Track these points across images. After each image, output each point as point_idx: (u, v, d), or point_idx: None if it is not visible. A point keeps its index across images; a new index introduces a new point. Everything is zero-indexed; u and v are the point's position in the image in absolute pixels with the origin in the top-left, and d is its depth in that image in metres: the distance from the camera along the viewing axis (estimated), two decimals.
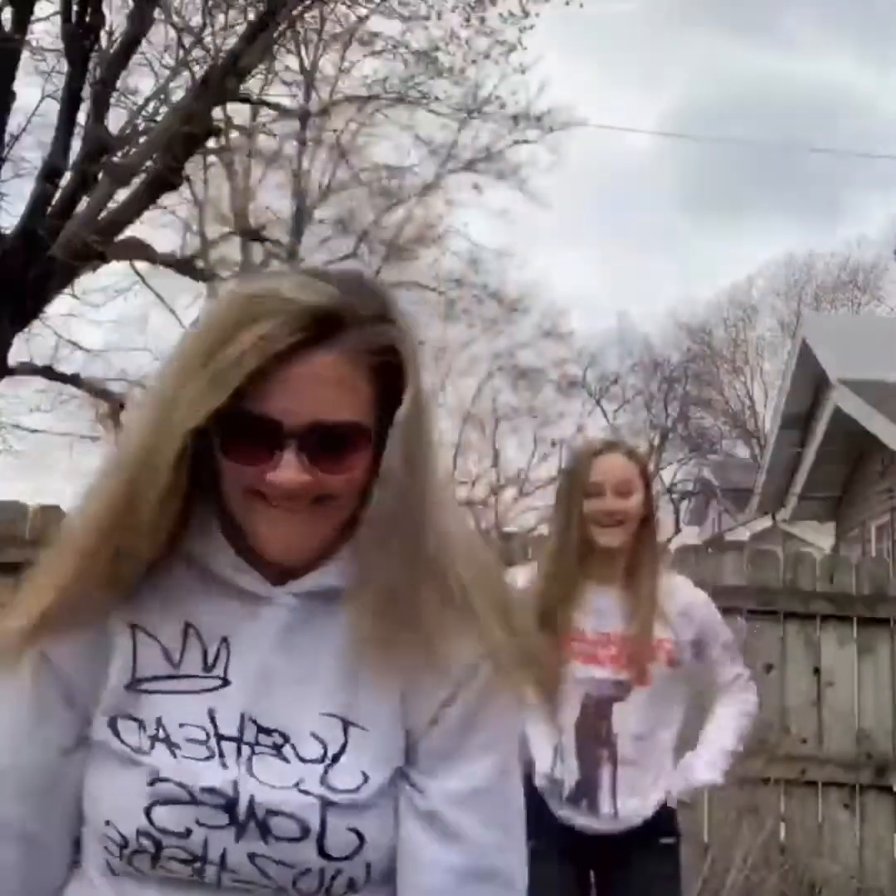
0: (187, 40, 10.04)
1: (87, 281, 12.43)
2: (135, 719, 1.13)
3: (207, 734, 1.13)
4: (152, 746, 1.12)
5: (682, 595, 2.83)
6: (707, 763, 2.82)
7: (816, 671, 5.13)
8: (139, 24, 8.30)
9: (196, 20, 10.20)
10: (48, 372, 10.77)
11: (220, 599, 1.16)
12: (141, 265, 16.86)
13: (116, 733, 1.13)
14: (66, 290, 9.62)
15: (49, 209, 7.99)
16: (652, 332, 45.66)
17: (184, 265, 10.78)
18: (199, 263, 11.19)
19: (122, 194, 9.19)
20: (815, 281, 34.14)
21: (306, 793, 1.11)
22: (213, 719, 1.13)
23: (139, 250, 10.23)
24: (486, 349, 26.82)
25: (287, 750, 1.13)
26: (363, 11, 12.99)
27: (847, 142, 49.38)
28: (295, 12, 9.70)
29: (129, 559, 1.12)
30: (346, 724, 1.14)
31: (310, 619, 1.17)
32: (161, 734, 1.13)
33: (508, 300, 24.67)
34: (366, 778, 1.13)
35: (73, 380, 11.12)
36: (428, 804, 1.15)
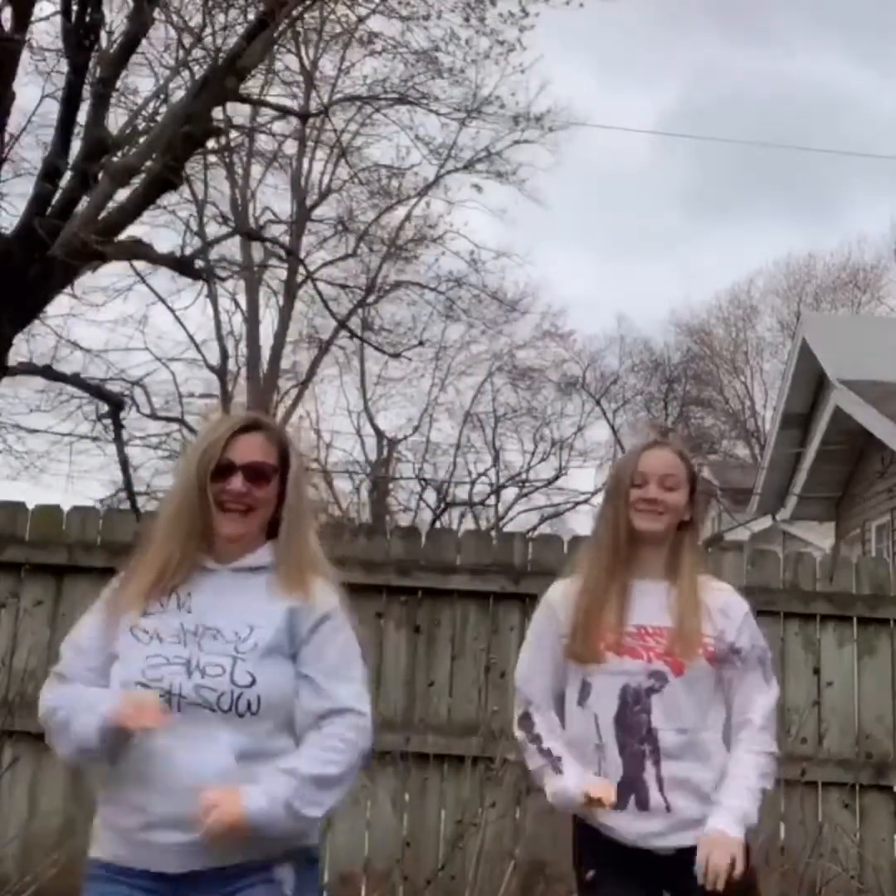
0: (187, 40, 10.03)
1: (87, 281, 12.44)
2: (144, 631, 2.31)
3: (179, 633, 2.30)
4: (150, 641, 2.30)
5: (723, 596, 2.83)
6: (735, 819, 2.64)
7: (816, 671, 5.13)
8: (139, 24, 8.28)
9: (196, 20, 10.19)
10: (48, 372, 10.75)
11: (191, 573, 2.38)
12: (141, 265, 16.90)
13: (135, 636, 2.31)
14: (66, 290, 9.60)
15: (49, 209, 7.98)
16: (652, 331, 45.76)
17: (184, 265, 10.74)
18: (199, 263, 11.16)
19: (122, 194, 9.17)
20: (815, 281, 34.17)
21: (225, 654, 2.27)
22: (182, 626, 2.31)
23: (139, 250, 10.20)
24: (486, 349, 26.86)
25: (219, 636, 2.30)
26: (363, 11, 12.97)
27: (847, 142, 49.36)
28: (295, 12, 9.68)
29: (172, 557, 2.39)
30: (251, 627, 2.32)
31: (236, 581, 2.39)
32: (155, 634, 2.30)
33: (508, 300, 24.70)
34: (256, 645, 2.29)
35: (73, 380, 11.10)
36: (310, 678, 2.33)
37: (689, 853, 2.65)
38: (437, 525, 23.32)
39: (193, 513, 2.37)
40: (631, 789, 2.68)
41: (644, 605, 2.76)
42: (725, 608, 2.79)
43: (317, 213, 21.98)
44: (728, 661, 2.76)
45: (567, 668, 2.80)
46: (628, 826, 2.69)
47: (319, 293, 17.43)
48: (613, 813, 2.68)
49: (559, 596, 2.87)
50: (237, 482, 2.37)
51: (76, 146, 8.25)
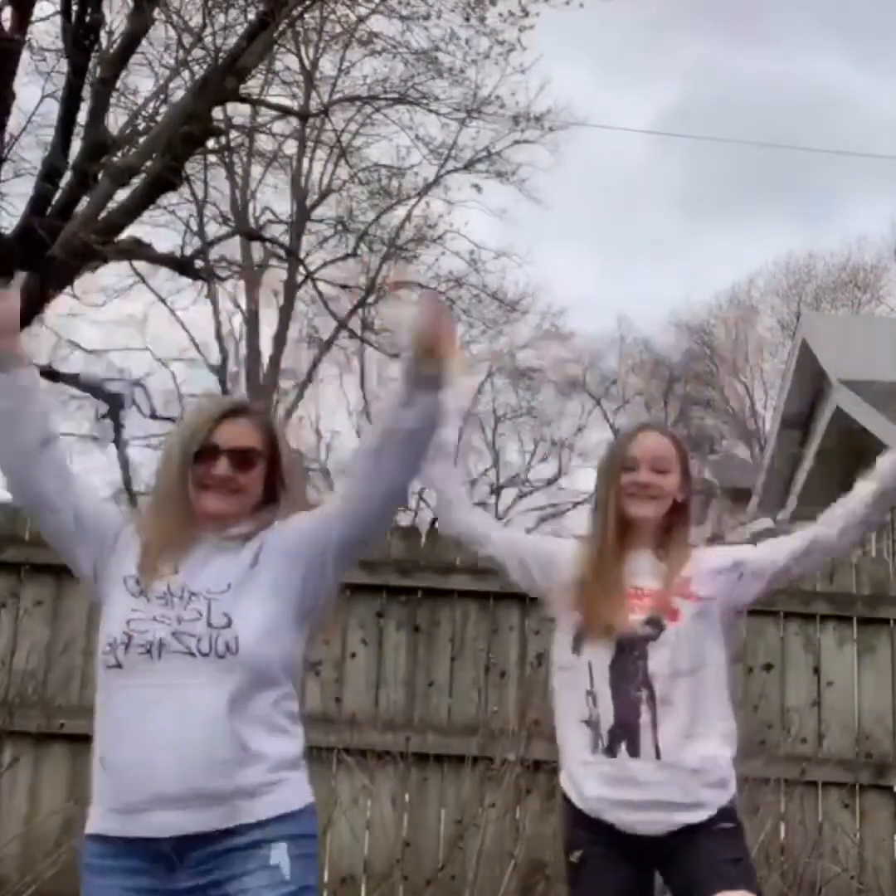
0: (187, 40, 10.04)
1: (87, 281, 12.45)
2: (135, 582, 2.34)
3: (165, 594, 2.32)
4: (139, 595, 2.33)
5: (708, 554, 2.89)
6: None
7: (816, 671, 5.13)
8: (139, 24, 8.29)
9: (196, 20, 10.20)
10: (48, 372, 10.77)
11: (182, 541, 2.38)
12: (141, 265, 16.90)
13: (125, 584, 2.35)
14: (66, 290, 9.61)
15: (49, 209, 7.99)
16: (652, 332, 45.71)
17: (184, 265, 10.76)
18: (199, 263, 11.18)
19: (122, 194, 9.18)
20: (815, 281, 34.14)
21: (202, 599, 2.30)
22: (168, 586, 2.32)
23: (139, 250, 10.21)
24: (486, 349, 26.86)
25: (200, 594, 2.31)
26: (363, 11, 13.00)
27: (847, 142, 49.35)
28: (295, 12, 9.70)
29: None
30: (226, 576, 2.33)
31: (221, 549, 2.38)
32: (144, 590, 2.33)
33: (508, 300, 24.68)
34: (230, 586, 2.31)
35: (73, 380, 11.13)
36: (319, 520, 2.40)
37: (677, 836, 2.66)
38: (437, 525, 23.29)
39: (179, 497, 2.37)
40: (624, 735, 2.69)
41: (637, 569, 2.81)
42: (708, 559, 2.85)
43: (317, 213, 21.96)
44: (732, 583, 2.81)
45: (562, 612, 2.84)
46: (620, 791, 2.68)
47: (319, 293, 17.45)
48: (606, 763, 2.69)
49: (569, 546, 2.92)
50: (222, 467, 2.36)
51: (76, 146, 8.26)
